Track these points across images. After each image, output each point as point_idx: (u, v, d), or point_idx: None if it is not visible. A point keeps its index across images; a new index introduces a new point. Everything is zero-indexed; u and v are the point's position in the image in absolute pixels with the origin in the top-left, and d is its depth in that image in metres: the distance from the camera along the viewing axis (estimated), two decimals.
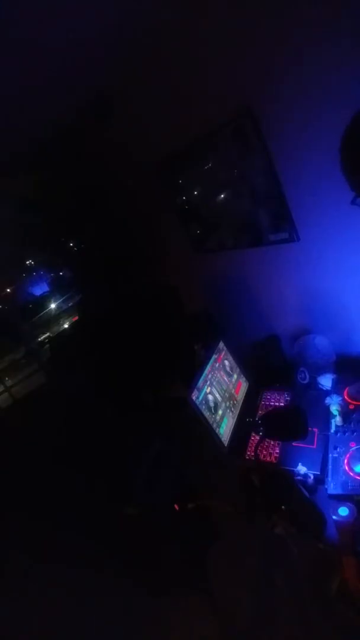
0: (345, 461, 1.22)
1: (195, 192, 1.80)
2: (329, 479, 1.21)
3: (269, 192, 1.49)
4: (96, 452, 1.74)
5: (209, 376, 1.61)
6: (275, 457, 1.42)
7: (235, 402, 1.70)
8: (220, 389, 1.63)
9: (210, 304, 2.10)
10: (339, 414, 1.38)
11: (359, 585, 0.97)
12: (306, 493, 1.20)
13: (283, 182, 1.43)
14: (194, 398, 1.46)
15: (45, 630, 1.37)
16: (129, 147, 1.82)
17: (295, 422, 1.19)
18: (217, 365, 1.69)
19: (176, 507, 1.43)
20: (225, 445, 1.52)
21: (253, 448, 1.49)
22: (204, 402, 1.51)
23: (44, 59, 1.15)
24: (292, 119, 1.26)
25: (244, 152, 1.45)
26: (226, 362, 1.77)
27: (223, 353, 1.77)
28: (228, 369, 1.76)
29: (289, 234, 1.55)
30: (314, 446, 1.37)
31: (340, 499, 1.13)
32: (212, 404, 1.54)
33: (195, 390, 1.49)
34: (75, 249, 2.45)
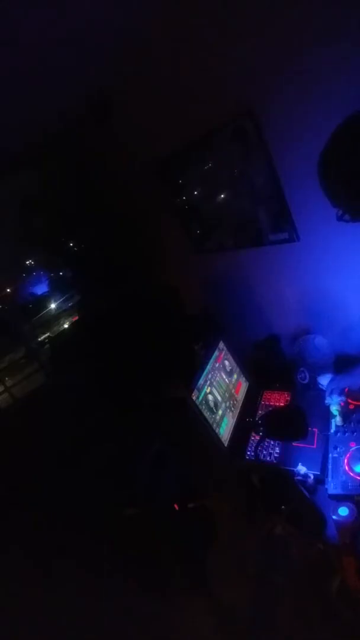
0: (345, 461, 1.22)
1: (195, 192, 1.80)
2: (329, 479, 1.21)
3: (269, 192, 1.49)
4: (96, 452, 1.74)
5: (209, 376, 1.61)
6: (275, 457, 1.42)
7: (235, 402, 1.70)
8: (220, 389, 1.63)
9: (210, 304, 2.10)
10: (339, 414, 1.38)
11: (359, 585, 0.97)
12: (306, 493, 1.20)
13: (283, 182, 1.43)
14: (194, 398, 1.46)
15: (46, 629, 1.37)
16: (129, 148, 1.82)
17: (295, 422, 1.19)
18: (217, 365, 1.69)
19: (176, 507, 1.43)
20: (225, 445, 1.52)
21: (253, 448, 1.49)
22: (204, 402, 1.51)
23: (44, 58, 1.15)
24: (292, 118, 1.26)
25: (244, 152, 1.45)
26: (226, 362, 1.77)
27: (223, 353, 1.77)
28: (228, 369, 1.76)
29: (289, 234, 1.55)
30: (314, 446, 1.37)
31: (340, 499, 1.13)
32: (212, 404, 1.54)
33: (195, 390, 1.49)
34: (75, 249, 2.45)
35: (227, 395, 1.66)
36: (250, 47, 1.21)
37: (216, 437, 1.49)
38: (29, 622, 1.38)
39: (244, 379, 1.83)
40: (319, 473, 1.26)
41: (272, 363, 1.87)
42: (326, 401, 1.45)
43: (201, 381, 1.54)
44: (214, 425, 1.50)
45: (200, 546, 1.37)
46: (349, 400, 1.43)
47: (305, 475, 1.26)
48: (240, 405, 1.71)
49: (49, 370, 2.82)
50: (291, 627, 1.08)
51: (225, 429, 1.55)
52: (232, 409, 1.66)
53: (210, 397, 1.56)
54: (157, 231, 2.12)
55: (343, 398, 1.42)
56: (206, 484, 1.52)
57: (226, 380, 1.70)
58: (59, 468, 1.76)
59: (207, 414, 1.49)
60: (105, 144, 1.92)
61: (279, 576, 1.15)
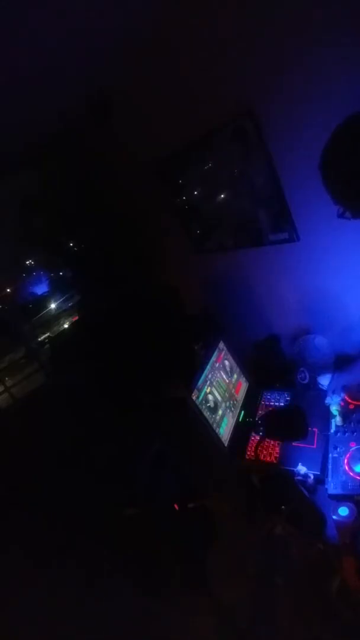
0: (345, 461, 1.22)
1: (195, 192, 1.80)
2: (329, 479, 1.21)
3: (269, 192, 1.49)
4: (96, 452, 1.74)
5: (209, 376, 1.61)
6: (275, 457, 1.42)
7: (235, 402, 1.70)
8: (220, 389, 1.63)
9: (210, 304, 2.10)
10: (339, 414, 1.38)
11: (359, 585, 0.97)
12: (306, 493, 1.20)
13: (283, 182, 1.43)
14: (194, 398, 1.46)
15: (46, 629, 1.37)
16: (129, 148, 1.82)
17: (295, 422, 1.19)
18: (217, 365, 1.69)
19: (176, 507, 1.43)
20: (225, 445, 1.52)
21: (253, 448, 1.49)
22: (204, 402, 1.51)
23: (44, 58, 1.15)
24: (292, 118, 1.26)
25: (244, 152, 1.45)
26: (226, 362, 1.77)
27: (223, 353, 1.77)
28: (228, 369, 1.76)
29: (289, 234, 1.55)
30: (314, 446, 1.37)
31: (340, 499, 1.13)
32: (212, 404, 1.54)
33: (196, 390, 1.49)
34: (75, 249, 2.45)
35: (227, 395, 1.66)
36: (250, 47, 1.21)
37: (216, 437, 1.49)
38: (29, 622, 1.38)
39: (244, 379, 1.83)
40: (319, 473, 1.26)
41: (272, 363, 1.87)
42: (326, 401, 1.45)
43: (201, 381, 1.54)
44: (214, 425, 1.50)
45: (200, 546, 1.37)
46: (349, 400, 1.43)
47: (305, 475, 1.26)
48: (240, 405, 1.71)
49: (49, 370, 2.82)
50: (291, 627, 1.08)
51: (225, 429, 1.55)
52: (232, 409, 1.66)
53: (210, 397, 1.56)
54: (157, 231, 2.12)
55: (343, 396, 1.42)
56: (206, 484, 1.52)
57: (226, 380, 1.70)
58: (59, 468, 1.76)
59: (207, 414, 1.49)
60: (105, 144, 1.92)
61: (279, 576, 1.15)
